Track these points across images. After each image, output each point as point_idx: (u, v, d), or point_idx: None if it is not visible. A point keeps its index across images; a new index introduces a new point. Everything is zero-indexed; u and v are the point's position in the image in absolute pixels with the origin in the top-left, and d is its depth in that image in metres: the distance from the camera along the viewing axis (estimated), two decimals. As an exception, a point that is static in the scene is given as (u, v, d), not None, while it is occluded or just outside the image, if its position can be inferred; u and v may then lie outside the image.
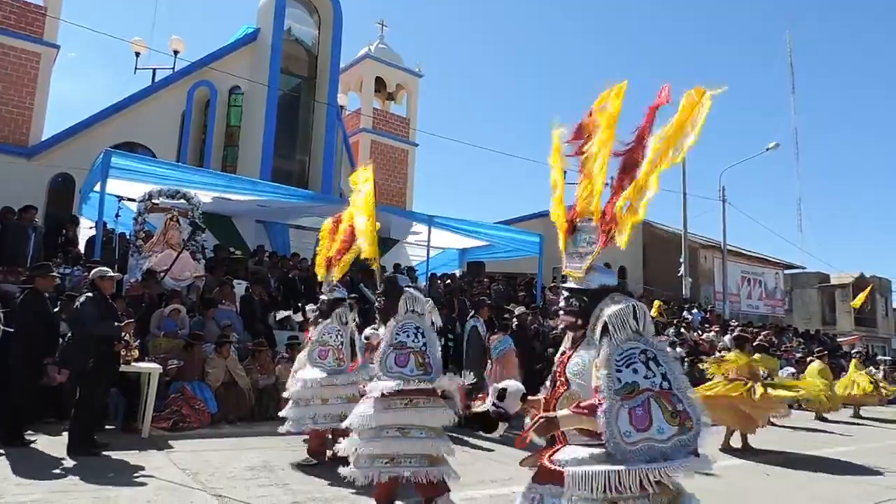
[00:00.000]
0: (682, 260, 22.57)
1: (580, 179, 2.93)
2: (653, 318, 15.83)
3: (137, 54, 18.00)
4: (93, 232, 11.25)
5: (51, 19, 16.37)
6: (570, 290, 2.76)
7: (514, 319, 10.64)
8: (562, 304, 2.75)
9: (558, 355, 2.78)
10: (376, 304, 4.55)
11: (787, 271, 30.76)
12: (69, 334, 6.32)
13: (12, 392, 6.02)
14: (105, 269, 6.46)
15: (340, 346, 5.76)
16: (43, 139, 16.04)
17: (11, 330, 6.02)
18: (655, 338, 2.56)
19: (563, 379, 2.61)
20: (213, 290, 9.93)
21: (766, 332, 18.54)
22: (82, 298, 6.08)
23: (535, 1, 68.18)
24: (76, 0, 35.89)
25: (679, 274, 22.61)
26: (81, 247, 11.54)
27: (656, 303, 19.35)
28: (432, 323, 4.42)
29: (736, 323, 21.05)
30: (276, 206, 13.33)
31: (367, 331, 6.24)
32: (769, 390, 7.93)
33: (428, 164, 56.11)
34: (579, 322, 2.66)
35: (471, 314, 9.87)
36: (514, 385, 2.71)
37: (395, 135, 23.88)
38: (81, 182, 13.71)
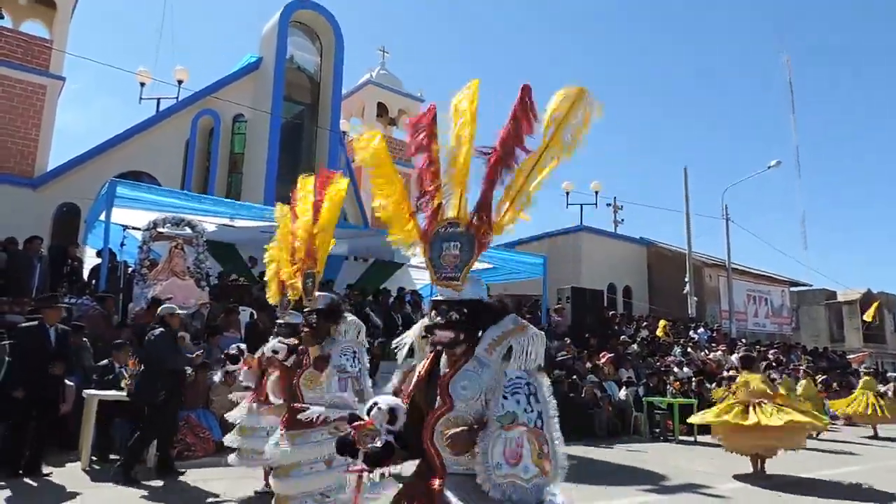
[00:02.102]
0: (686, 279, 22.51)
1: (434, 181, 2.62)
2: (658, 337, 15.69)
3: (142, 84, 18.24)
4: (98, 261, 11.29)
5: (56, 52, 16.63)
6: (447, 302, 2.50)
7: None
8: (437, 318, 2.48)
9: (427, 373, 2.54)
10: (311, 325, 4.19)
11: (793, 289, 30.62)
12: (141, 368, 6.47)
13: (23, 422, 6.04)
14: (172, 306, 6.90)
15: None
16: (48, 169, 16.18)
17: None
18: (539, 372, 2.42)
19: (445, 398, 2.39)
20: (218, 317, 9.93)
21: (774, 350, 18.43)
22: (156, 333, 6.29)
23: (536, 25, 69.07)
24: (82, 33, 36.49)
25: (684, 293, 22.54)
26: (86, 275, 11.59)
27: (662, 322, 19.27)
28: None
29: (744, 341, 20.92)
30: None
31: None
32: (768, 417, 7.54)
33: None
34: (461, 337, 2.44)
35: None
36: (392, 400, 2.50)
37: (398, 160, 23.88)
38: (86, 211, 13.79)
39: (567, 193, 24.14)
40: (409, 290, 15.31)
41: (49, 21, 17.16)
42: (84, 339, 7.86)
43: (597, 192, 24.57)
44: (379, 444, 2.40)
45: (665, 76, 67.73)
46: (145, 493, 5.59)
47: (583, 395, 11.52)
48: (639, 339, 16.91)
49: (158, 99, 18.50)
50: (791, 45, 66.15)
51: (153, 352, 6.30)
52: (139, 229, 11.09)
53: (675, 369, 14.48)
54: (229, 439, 5.48)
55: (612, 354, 13.77)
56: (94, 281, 10.94)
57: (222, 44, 68.59)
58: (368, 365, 4.29)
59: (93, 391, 6.86)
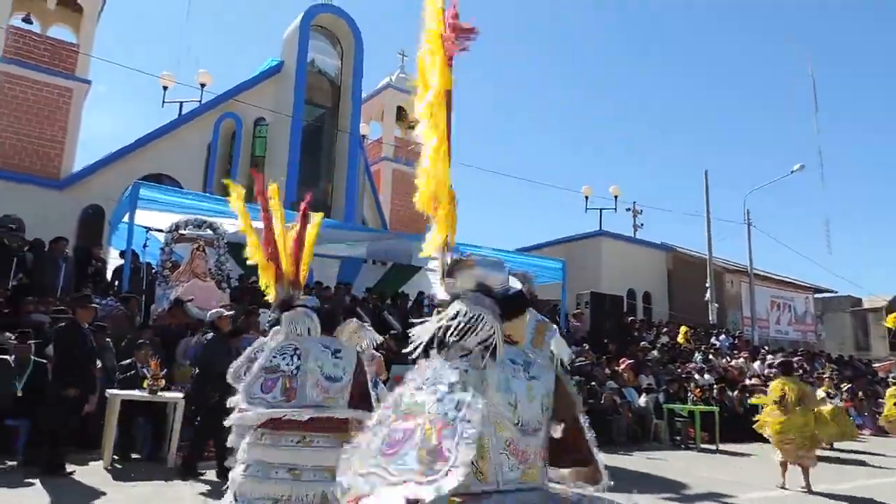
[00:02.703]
0: (707, 285, 22.26)
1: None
2: (678, 343, 15.50)
3: (165, 88, 18.46)
4: (121, 262, 11.44)
5: (83, 56, 16.91)
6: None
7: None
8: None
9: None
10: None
11: (817, 295, 30.13)
12: (196, 371, 6.60)
13: (50, 423, 6.11)
14: (221, 309, 7.13)
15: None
16: (74, 171, 16.44)
17: (44, 361, 6.13)
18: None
19: None
20: (239, 318, 10.00)
21: (798, 358, 18.14)
22: (208, 337, 6.42)
23: (558, 24, 68.96)
24: (107, 37, 37.06)
25: (705, 299, 22.29)
26: (109, 276, 11.75)
27: (682, 328, 19.09)
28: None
29: (766, 349, 20.64)
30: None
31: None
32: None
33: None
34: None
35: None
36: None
37: (408, 161, 24.08)
38: (111, 213, 13.98)
39: (586, 198, 24.01)
40: (427, 294, 15.32)
41: (76, 25, 17.45)
42: (107, 339, 7.95)
43: (616, 197, 24.39)
44: None
45: (684, 78, 67.22)
46: (166, 491, 5.64)
47: (602, 402, 11.43)
48: (659, 346, 16.75)
49: (181, 102, 18.73)
50: (815, 44, 65.25)
51: (206, 356, 6.50)
52: (162, 231, 11.22)
53: (696, 376, 14.32)
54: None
55: (631, 361, 13.66)
56: (117, 282, 11.09)
57: (245, 48, 69.35)
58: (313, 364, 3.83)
59: (115, 391, 6.94)
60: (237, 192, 4.65)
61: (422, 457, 1.73)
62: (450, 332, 2.02)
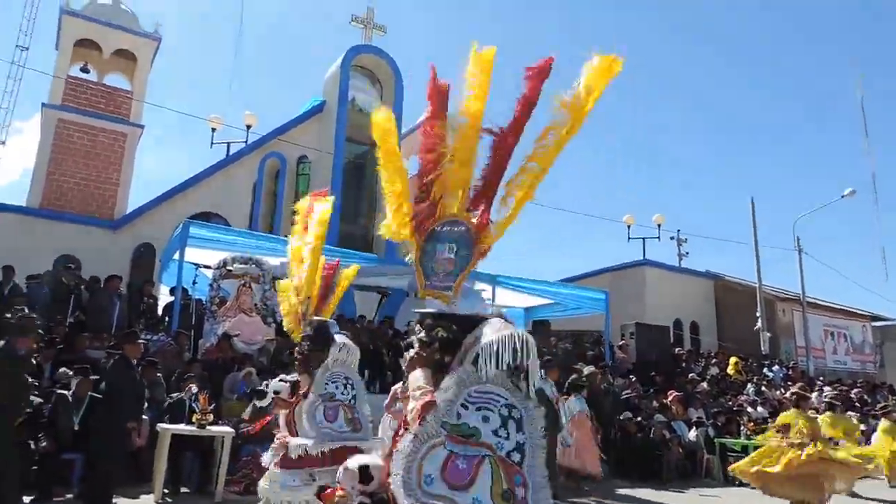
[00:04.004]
0: (758, 314, 21.62)
1: (435, 171, 2.24)
2: (729, 375, 14.99)
3: (213, 129, 19.13)
4: (171, 298, 11.77)
5: (136, 102, 17.72)
6: (433, 315, 2.13)
7: (584, 380, 10.38)
8: (420, 334, 2.09)
9: (419, 399, 2.06)
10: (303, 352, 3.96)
11: (875, 323, 28.92)
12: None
13: (101, 457, 6.27)
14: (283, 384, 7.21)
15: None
16: (127, 212, 17.09)
17: (99, 396, 6.32)
18: (533, 397, 1.99)
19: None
20: (284, 352, 10.14)
21: (858, 389, 17.38)
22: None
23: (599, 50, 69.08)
24: (159, 82, 38.69)
25: (756, 329, 21.62)
26: (160, 312, 12.08)
27: (733, 359, 18.51)
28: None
29: (822, 379, 19.84)
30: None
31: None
32: (826, 452, 7.09)
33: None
34: (446, 359, 2.02)
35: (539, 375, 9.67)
36: (365, 458, 2.20)
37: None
38: (161, 251, 14.44)
39: (629, 227, 23.74)
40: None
41: (130, 73, 18.33)
42: (158, 373, 8.16)
43: (659, 226, 24.06)
44: None
45: (726, 100, 66.36)
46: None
47: (651, 436, 11.12)
48: (708, 377, 16.28)
49: (228, 143, 19.36)
50: (863, 63, 63.89)
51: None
52: (210, 267, 11.53)
53: (749, 409, 13.84)
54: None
55: (680, 393, 13.29)
56: (167, 318, 11.40)
57: (289, 88, 71.50)
58: (365, 391, 3.97)
59: (166, 425, 7.08)
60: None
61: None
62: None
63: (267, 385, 5.19)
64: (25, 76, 17.31)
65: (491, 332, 1.97)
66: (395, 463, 1.82)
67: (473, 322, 2.08)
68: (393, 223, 2.30)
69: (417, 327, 2.11)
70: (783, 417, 7.87)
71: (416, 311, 2.17)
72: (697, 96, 66.03)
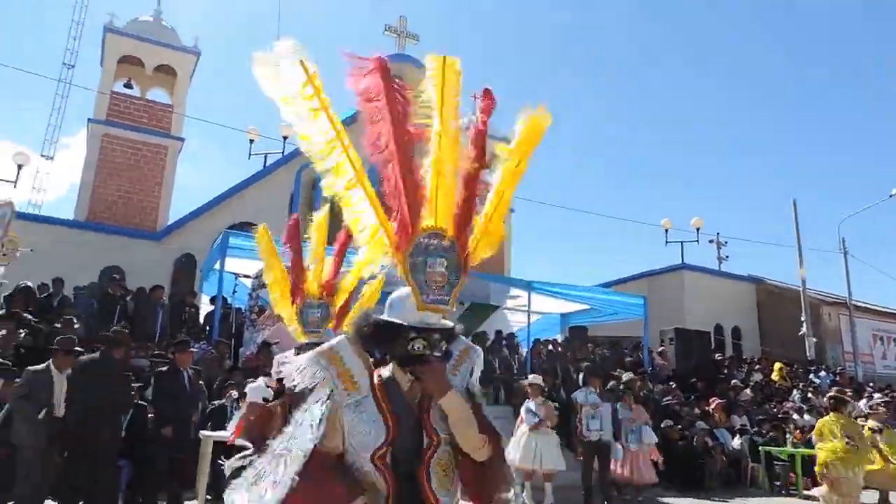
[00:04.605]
0: (803, 318, 21.05)
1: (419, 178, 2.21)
2: (773, 381, 14.63)
3: (251, 141, 19.51)
4: (211, 307, 12.01)
5: (176, 115, 18.19)
6: (442, 331, 2.15)
7: (623, 386, 10.25)
8: (426, 349, 2.10)
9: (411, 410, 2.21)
10: None
11: (926, 327, 27.88)
12: None
13: (146, 463, 6.45)
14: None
15: None
16: (169, 223, 17.52)
17: (144, 404, 6.50)
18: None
19: (432, 436, 2.10)
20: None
21: (909, 396, 16.71)
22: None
23: (633, 57, 68.56)
24: (199, 96, 39.66)
25: (801, 334, 21.05)
26: (201, 321, 12.34)
27: (777, 365, 18.06)
28: None
29: (872, 385, 19.19)
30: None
31: None
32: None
33: (526, 229, 56.46)
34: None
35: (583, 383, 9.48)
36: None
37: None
38: (202, 261, 14.76)
39: (666, 231, 23.38)
40: (505, 333, 15.22)
41: (170, 87, 18.84)
42: (200, 381, 8.32)
43: (698, 229, 23.63)
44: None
45: (767, 99, 64.96)
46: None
47: (693, 444, 10.90)
48: (752, 384, 15.90)
49: (266, 154, 19.71)
50: (908, 66, 61.81)
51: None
52: (249, 277, 11.73)
53: (795, 416, 13.47)
54: None
55: (722, 400, 13.01)
56: (208, 326, 11.63)
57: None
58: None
59: (208, 432, 7.21)
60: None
61: None
62: None
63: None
64: (72, 93, 17.98)
65: (475, 351, 2.32)
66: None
67: (451, 332, 2.22)
68: (374, 238, 2.25)
69: (418, 342, 2.10)
70: (821, 424, 7.68)
71: (413, 325, 2.13)
72: (736, 94, 64.85)
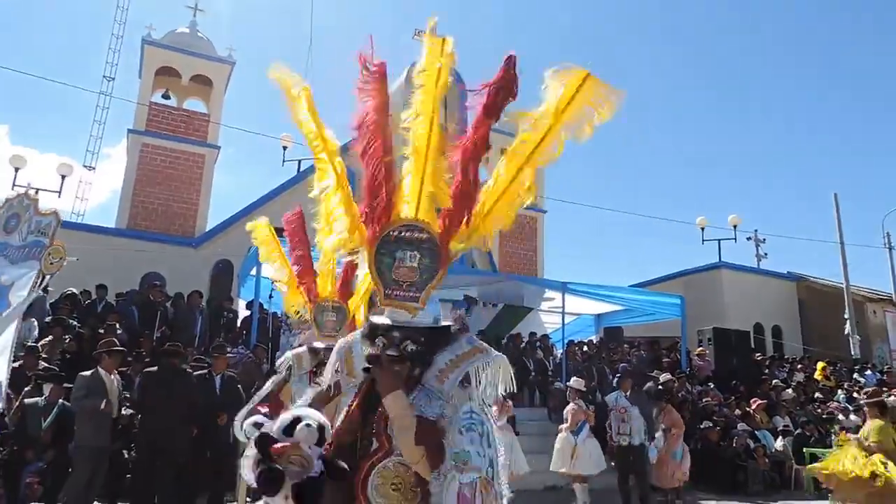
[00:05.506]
0: (846, 316, 20.46)
1: (385, 168, 2.16)
2: (816, 381, 14.22)
3: (285, 148, 19.76)
4: (248, 312, 12.21)
5: (213, 124, 18.56)
6: (404, 330, 1.98)
7: (661, 387, 10.10)
8: (386, 348, 1.94)
9: (361, 409, 2.06)
10: None
11: (979, 324, 26.85)
12: None
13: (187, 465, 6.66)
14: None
15: None
16: (207, 230, 17.86)
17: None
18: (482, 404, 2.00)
19: (382, 440, 1.94)
20: (356, 363, 10.35)
21: (961, 395, 16.11)
22: None
23: (669, 51, 67.55)
24: (234, 104, 40.34)
25: (845, 332, 20.46)
26: (238, 326, 12.55)
27: (820, 364, 17.59)
28: None
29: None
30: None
31: None
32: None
33: (559, 230, 56.10)
34: (417, 371, 1.94)
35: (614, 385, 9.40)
36: (320, 416, 2.07)
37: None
38: (239, 267, 15.01)
39: (702, 229, 22.96)
40: (539, 335, 15.15)
41: (206, 97, 19.22)
42: (238, 385, 8.47)
43: (735, 227, 23.15)
44: (314, 473, 1.91)
45: (805, 89, 63.29)
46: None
47: (734, 445, 10.69)
48: (794, 384, 15.52)
49: (299, 160, 19.93)
50: (955, 54, 59.48)
51: None
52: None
53: (840, 417, 13.10)
54: None
55: (764, 401, 12.73)
56: (245, 331, 11.83)
57: (356, 104, 73.03)
58: None
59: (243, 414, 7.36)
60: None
61: None
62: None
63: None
64: (112, 105, 18.49)
65: (480, 358, 2.01)
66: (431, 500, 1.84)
67: (438, 333, 2.05)
68: (344, 230, 2.18)
69: (378, 340, 1.99)
70: (877, 428, 7.32)
71: (374, 322, 2.06)
72: (774, 91, 63.38)
